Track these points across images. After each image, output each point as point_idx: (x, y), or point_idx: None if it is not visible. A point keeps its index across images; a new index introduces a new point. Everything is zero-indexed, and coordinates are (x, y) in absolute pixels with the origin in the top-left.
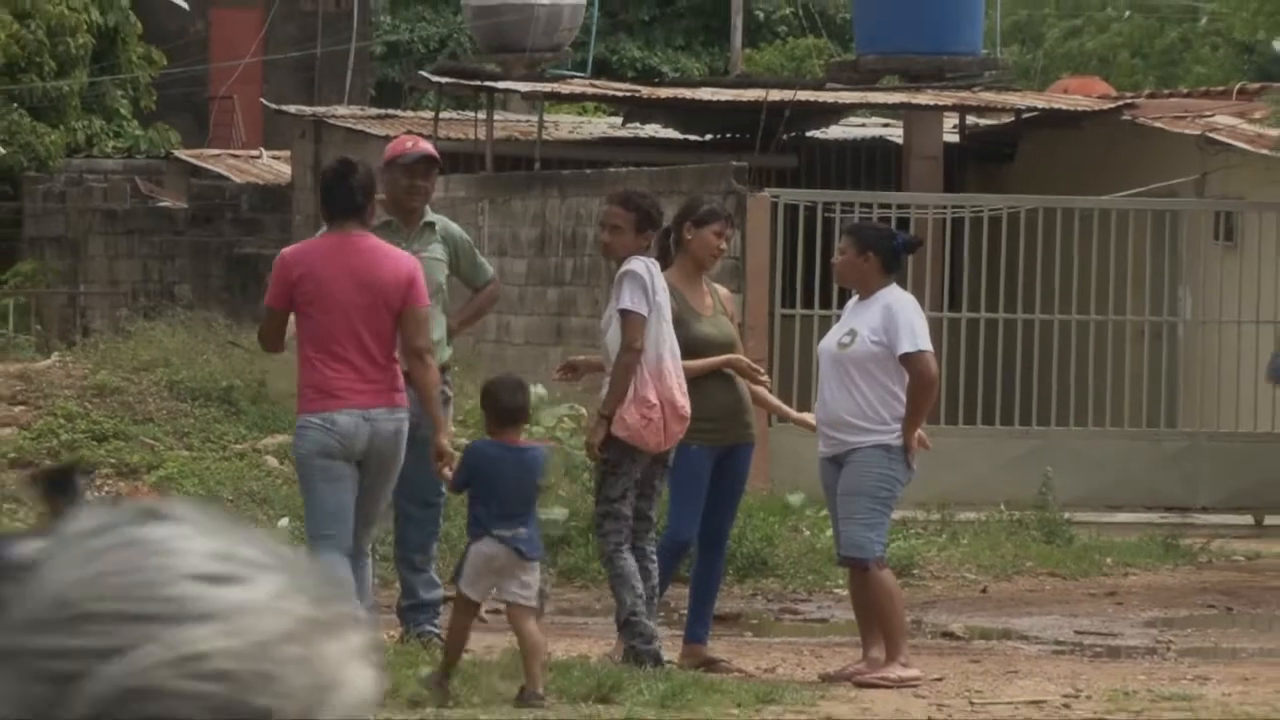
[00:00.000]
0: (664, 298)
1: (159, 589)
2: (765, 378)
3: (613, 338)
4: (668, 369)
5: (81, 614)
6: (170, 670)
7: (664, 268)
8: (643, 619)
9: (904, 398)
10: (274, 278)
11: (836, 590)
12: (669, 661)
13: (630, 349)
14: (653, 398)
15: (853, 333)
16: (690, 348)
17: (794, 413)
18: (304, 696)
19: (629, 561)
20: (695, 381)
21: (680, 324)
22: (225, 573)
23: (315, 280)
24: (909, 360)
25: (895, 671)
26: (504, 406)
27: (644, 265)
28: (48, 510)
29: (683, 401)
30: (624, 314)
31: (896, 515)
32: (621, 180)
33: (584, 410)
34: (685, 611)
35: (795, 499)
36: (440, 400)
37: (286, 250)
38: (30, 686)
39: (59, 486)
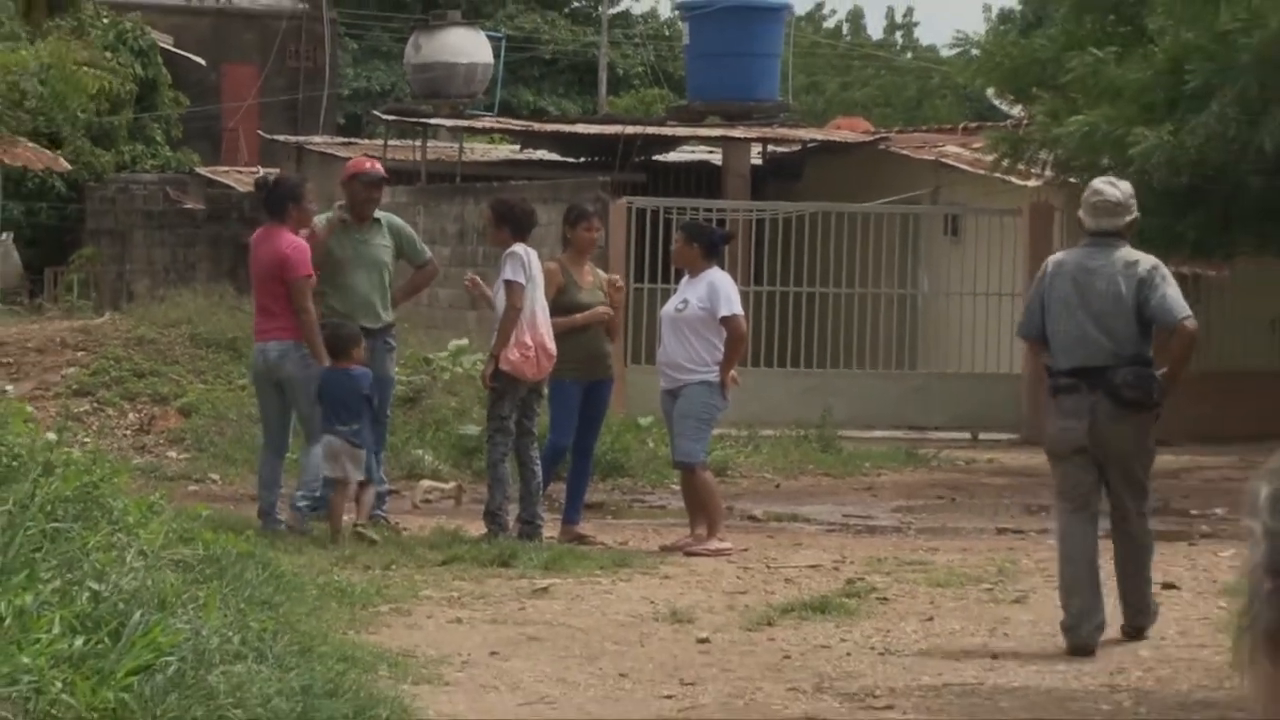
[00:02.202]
0: (536, 271)
1: None
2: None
3: (500, 301)
4: (539, 320)
5: None
6: None
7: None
8: (503, 515)
9: (722, 348)
10: None
11: (673, 486)
12: (550, 537)
13: (513, 308)
14: (529, 341)
15: (686, 301)
16: (570, 308)
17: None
18: None
19: (506, 469)
20: (569, 333)
21: (566, 292)
22: None
23: (249, 256)
24: (726, 321)
25: (714, 544)
26: (336, 345)
27: (523, 249)
28: None
29: (550, 344)
30: (508, 283)
31: (716, 432)
32: (520, 190)
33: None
34: (564, 501)
35: (645, 421)
36: (320, 338)
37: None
38: None
39: None
